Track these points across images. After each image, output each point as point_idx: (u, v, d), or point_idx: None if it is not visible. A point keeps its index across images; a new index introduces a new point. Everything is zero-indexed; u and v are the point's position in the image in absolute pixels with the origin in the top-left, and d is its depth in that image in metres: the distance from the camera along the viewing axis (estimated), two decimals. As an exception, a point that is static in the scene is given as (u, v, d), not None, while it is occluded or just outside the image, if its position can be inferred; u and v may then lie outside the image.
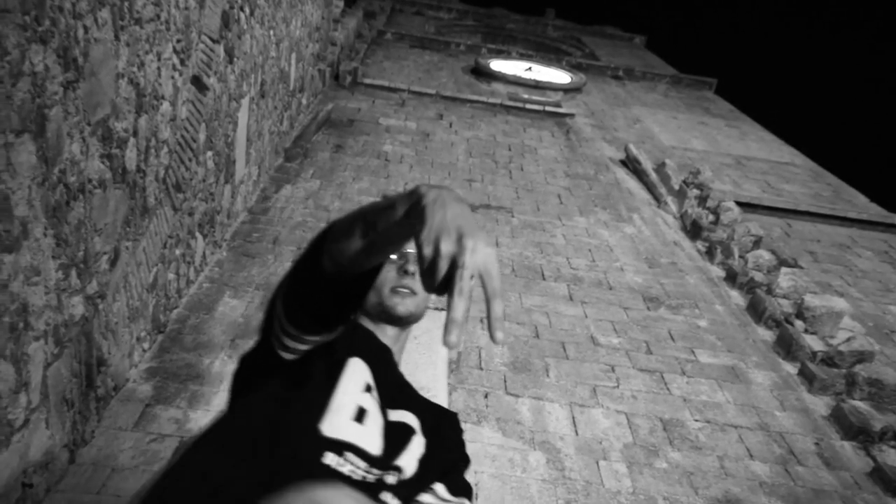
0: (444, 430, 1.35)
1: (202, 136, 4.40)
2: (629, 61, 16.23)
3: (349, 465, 1.06)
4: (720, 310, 5.49)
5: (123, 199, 3.30)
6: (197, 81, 4.16)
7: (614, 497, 3.47)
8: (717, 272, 6.21)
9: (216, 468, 1.00)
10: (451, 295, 0.77)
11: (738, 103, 13.59)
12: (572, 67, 14.08)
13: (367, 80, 10.22)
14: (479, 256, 0.79)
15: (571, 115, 10.50)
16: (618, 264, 5.99)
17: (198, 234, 4.63)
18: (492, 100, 10.46)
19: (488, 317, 0.79)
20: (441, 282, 0.80)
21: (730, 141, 10.72)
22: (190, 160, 4.22)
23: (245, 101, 5.35)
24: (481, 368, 4.25)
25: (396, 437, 1.20)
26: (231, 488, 0.96)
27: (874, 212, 8.20)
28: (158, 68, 3.51)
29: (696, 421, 4.13)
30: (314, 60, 8.67)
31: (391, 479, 1.13)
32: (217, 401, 3.70)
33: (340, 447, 1.07)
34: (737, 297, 5.78)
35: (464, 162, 7.95)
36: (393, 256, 1.35)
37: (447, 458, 1.31)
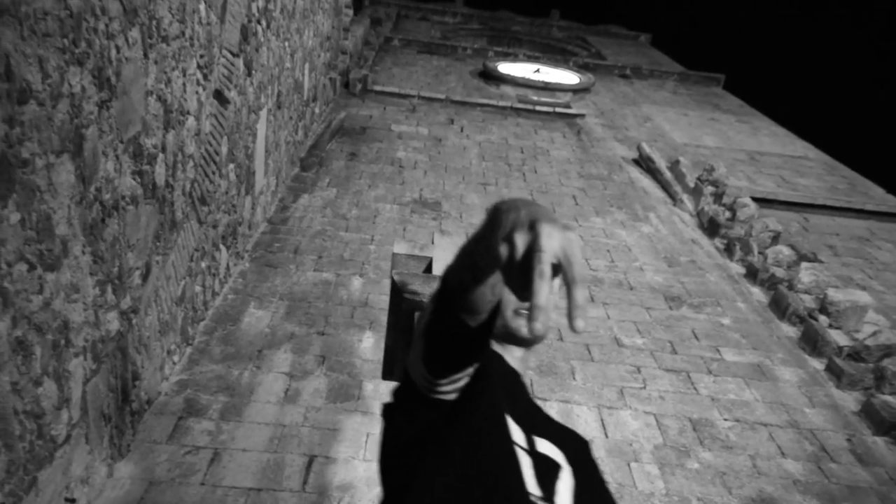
0: (580, 451, 1.26)
1: (224, 149, 4.44)
2: (636, 59, 16.22)
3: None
4: (742, 307, 5.48)
5: (154, 215, 3.34)
6: (219, 95, 4.20)
7: (648, 499, 3.47)
8: (737, 269, 6.19)
9: None
10: (531, 280, 0.74)
11: (748, 98, 13.56)
12: (580, 68, 14.07)
13: (377, 87, 10.26)
14: (556, 240, 0.76)
15: (582, 116, 10.50)
16: (637, 264, 5.99)
17: (221, 246, 4.66)
18: (501, 103, 10.48)
19: (569, 304, 0.75)
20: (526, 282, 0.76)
21: (742, 136, 10.70)
22: (213, 173, 4.26)
23: (263, 113, 5.39)
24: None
25: (545, 473, 1.14)
26: None
27: (892, 203, 8.16)
28: (184, 84, 3.54)
29: (726, 420, 4.12)
30: (325, 69, 8.72)
31: None
32: (248, 412, 3.72)
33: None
34: (758, 294, 5.77)
35: (477, 166, 7.96)
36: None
37: (595, 491, 1.22)
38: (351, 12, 9.62)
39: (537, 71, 12.74)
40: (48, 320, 2.45)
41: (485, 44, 17.84)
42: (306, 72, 7.26)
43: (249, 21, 4.67)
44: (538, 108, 10.47)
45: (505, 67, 12.71)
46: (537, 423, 1.23)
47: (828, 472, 3.80)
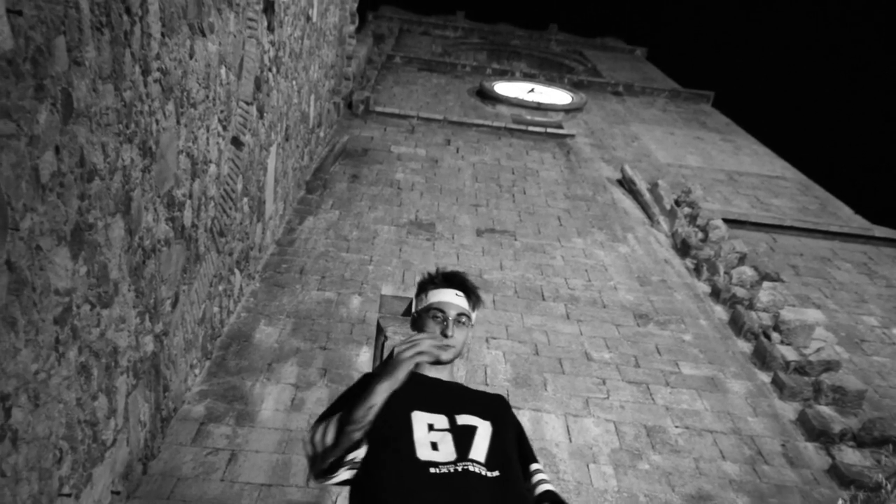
0: (500, 410, 1.98)
1: (240, 186, 5.04)
2: (630, 75, 16.81)
3: (442, 469, 1.73)
4: (704, 324, 6.07)
5: (182, 252, 3.95)
6: (235, 141, 4.81)
7: (602, 495, 4.06)
8: (704, 288, 6.78)
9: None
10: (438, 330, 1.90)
11: (735, 115, 14.14)
12: (573, 86, 14.67)
13: (379, 108, 10.87)
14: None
15: (572, 136, 11.09)
16: (612, 283, 6.58)
17: (236, 271, 5.27)
18: (496, 123, 11.08)
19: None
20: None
21: (724, 156, 11.27)
22: (230, 209, 4.86)
23: (273, 148, 6.00)
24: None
25: (464, 438, 1.81)
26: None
27: (857, 224, 8.73)
28: (207, 138, 4.15)
29: (677, 427, 4.71)
30: (330, 95, 9.33)
31: (473, 466, 1.74)
32: (259, 418, 4.32)
33: (434, 464, 1.74)
34: (720, 312, 6.36)
35: (470, 187, 8.56)
36: (437, 316, 2.00)
37: (509, 429, 1.92)
38: (353, 41, 10.23)
39: (532, 90, 13.34)
40: (103, 347, 3.05)
41: (484, 59, 18.47)
42: (312, 102, 7.87)
43: (262, 72, 5.28)
44: (531, 128, 11.07)
45: (501, 87, 13.32)
46: (458, 405, 1.91)
47: (761, 472, 4.39)
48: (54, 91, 2.39)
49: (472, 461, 1.76)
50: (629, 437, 4.57)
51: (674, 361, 5.46)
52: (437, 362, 1.94)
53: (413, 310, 2.10)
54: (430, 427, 1.82)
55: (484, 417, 1.90)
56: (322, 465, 1.77)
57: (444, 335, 1.96)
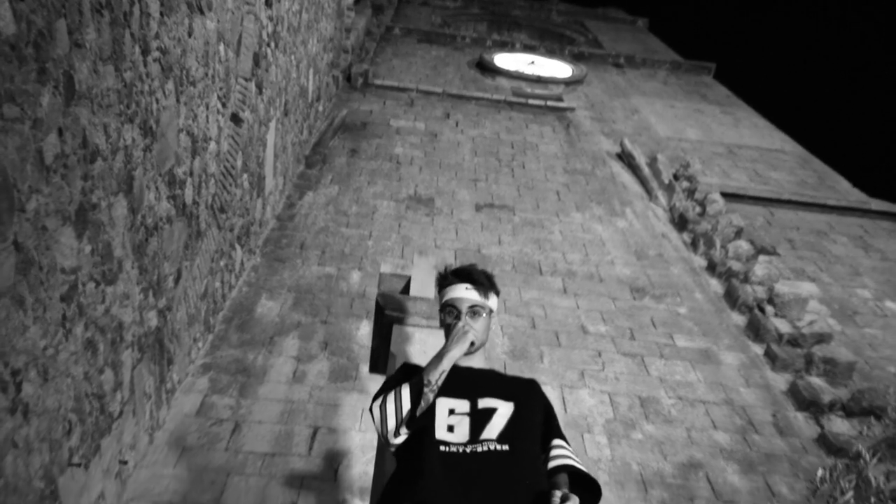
0: (528, 392, 2.09)
1: (239, 163, 5.09)
2: (631, 47, 16.69)
3: (452, 448, 1.87)
4: (699, 297, 6.15)
5: (184, 229, 4.01)
6: (235, 118, 4.84)
7: (595, 464, 4.18)
8: (700, 262, 6.85)
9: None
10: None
11: (736, 87, 14.08)
12: (574, 58, 14.58)
13: (378, 81, 10.84)
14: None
15: (572, 109, 11.07)
16: (609, 258, 6.65)
17: (237, 246, 5.34)
18: (496, 96, 11.05)
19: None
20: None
21: (724, 129, 11.26)
22: (231, 185, 4.92)
23: (272, 124, 6.03)
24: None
25: (480, 420, 1.94)
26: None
27: (854, 198, 8.76)
28: (207, 116, 4.19)
29: (670, 398, 4.82)
30: (328, 69, 9.31)
31: (482, 446, 1.86)
32: (262, 390, 4.43)
33: (445, 443, 1.88)
34: (716, 286, 6.44)
35: (469, 162, 8.59)
36: (451, 312, 2.14)
37: (534, 410, 2.03)
38: (352, 14, 10.16)
39: (532, 63, 13.27)
40: (108, 323, 3.14)
41: (484, 30, 18.32)
42: (311, 76, 7.87)
43: (260, 47, 5.29)
44: (531, 101, 11.04)
45: (501, 59, 13.25)
46: (482, 390, 2.03)
47: (751, 442, 4.50)
48: (56, 74, 2.43)
49: (484, 440, 1.88)
50: (623, 407, 4.68)
51: (668, 334, 5.55)
52: (468, 353, 2.08)
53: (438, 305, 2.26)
54: (451, 411, 1.96)
55: (507, 399, 2.01)
56: (398, 424, 1.96)
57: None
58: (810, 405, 4.82)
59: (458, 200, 7.50)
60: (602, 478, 4.07)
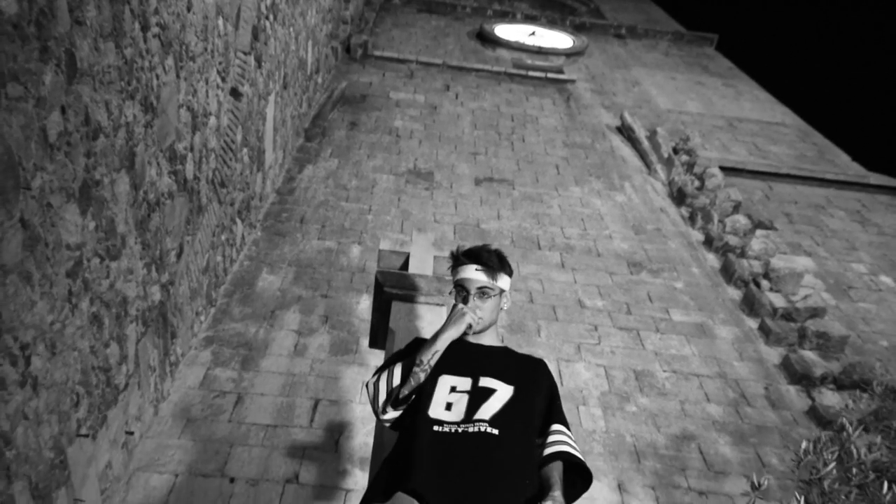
0: (533, 374, 2.12)
1: (239, 137, 5.10)
2: (633, 17, 16.52)
3: (445, 428, 1.91)
4: (696, 272, 6.21)
5: (185, 204, 4.05)
6: (234, 92, 4.85)
7: (590, 435, 4.27)
8: (698, 236, 6.90)
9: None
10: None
11: (738, 59, 13.98)
12: (575, 28, 14.45)
13: (377, 53, 10.77)
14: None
15: (572, 81, 11.02)
16: (607, 232, 6.70)
17: (238, 220, 5.38)
18: (496, 68, 10.98)
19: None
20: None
21: (725, 101, 11.22)
22: (231, 159, 4.94)
23: (272, 98, 6.02)
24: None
25: (478, 398, 1.97)
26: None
27: (853, 171, 8.77)
28: (206, 91, 4.20)
29: (665, 371, 4.90)
30: (327, 40, 9.24)
31: (474, 427, 1.90)
32: (264, 363, 4.51)
33: (439, 422, 1.93)
34: (713, 260, 6.49)
35: (469, 135, 8.58)
36: (461, 292, 2.18)
37: (535, 393, 2.05)
38: (351, -17, 10.06)
39: (533, 34, 13.16)
40: (113, 298, 3.19)
41: (485, -1, 18.07)
42: (309, 48, 7.83)
43: (259, 20, 5.26)
44: (531, 73, 10.98)
45: (502, 29, 13.14)
46: (486, 368, 2.07)
47: (743, 414, 4.60)
48: (58, 52, 2.45)
49: (477, 421, 1.91)
50: (618, 380, 4.76)
51: (664, 308, 5.62)
52: (466, 333, 2.13)
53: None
54: (453, 388, 2.01)
55: (508, 382, 2.03)
56: (387, 400, 2.05)
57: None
58: (802, 378, 4.91)
59: (457, 174, 7.52)
60: (596, 449, 4.17)
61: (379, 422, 2.13)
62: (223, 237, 5.04)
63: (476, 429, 1.89)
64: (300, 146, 7.61)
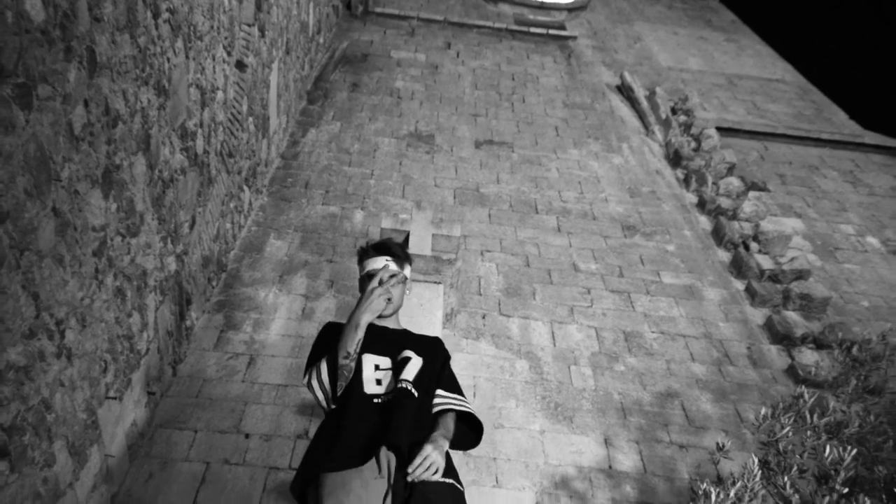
0: (433, 349, 2.55)
1: (245, 107, 5.26)
2: (637, -33, 16.27)
3: (383, 399, 2.29)
4: (688, 235, 6.42)
5: (196, 178, 4.25)
6: (239, 64, 4.99)
7: (580, 393, 4.57)
8: (692, 199, 7.08)
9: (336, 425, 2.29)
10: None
11: (742, 11, 13.86)
12: (578, -20, 14.28)
13: (378, 9, 10.75)
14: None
15: (574, 38, 11.01)
16: (603, 195, 6.88)
17: (245, 187, 5.58)
18: (498, 24, 10.97)
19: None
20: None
21: (726, 58, 11.22)
22: (237, 130, 5.11)
23: (275, 65, 6.15)
24: (480, 294, 5.28)
25: (400, 367, 2.39)
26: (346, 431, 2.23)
27: (848, 130, 8.88)
28: (214, 67, 4.35)
29: (653, 332, 5.17)
30: (328, -1, 9.25)
31: (403, 384, 2.31)
32: (275, 326, 4.78)
33: (376, 395, 2.30)
34: (705, 223, 6.69)
35: (470, 95, 8.68)
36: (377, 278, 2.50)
37: (437, 363, 2.51)
38: (351, -61, 9.98)
39: (534, -13, 13.03)
40: (134, 271, 3.43)
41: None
42: (311, 9, 7.88)
43: (261, -9, 5.36)
44: (532, 29, 10.97)
45: (503, -17, 13.00)
46: (400, 347, 2.48)
47: (725, 373, 4.88)
48: (80, 50, 2.63)
49: (404, 380, 2.35)
50: (608, 341, 5.03)
51: (656, 271, 5.86)
52: (381, 316, 2.48)
53: (359, 276, 2.66)
54: (377, 367, 2.39)
55: (418, 354, 2.47)
56: (328, 398, 2.37)
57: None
58: (784, 338, 5.17)
59: (457, 137, 7.66)
60: (585, 406, 4.46)
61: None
62: (231, 205, 5.25)
63: (402, 385, 2.31)
64: (303, 109, 7.74)
